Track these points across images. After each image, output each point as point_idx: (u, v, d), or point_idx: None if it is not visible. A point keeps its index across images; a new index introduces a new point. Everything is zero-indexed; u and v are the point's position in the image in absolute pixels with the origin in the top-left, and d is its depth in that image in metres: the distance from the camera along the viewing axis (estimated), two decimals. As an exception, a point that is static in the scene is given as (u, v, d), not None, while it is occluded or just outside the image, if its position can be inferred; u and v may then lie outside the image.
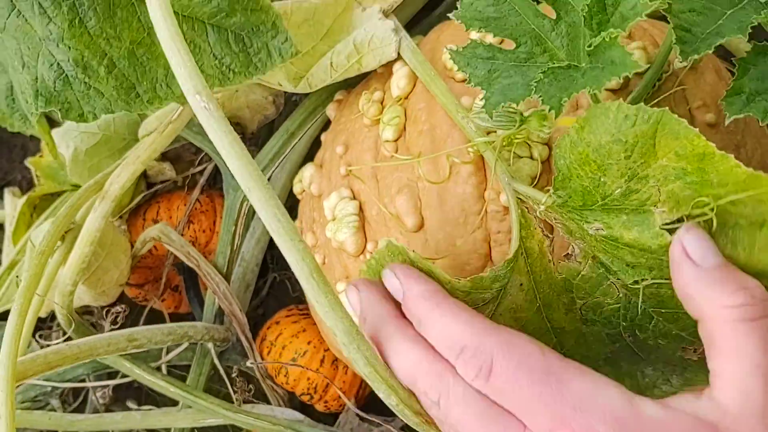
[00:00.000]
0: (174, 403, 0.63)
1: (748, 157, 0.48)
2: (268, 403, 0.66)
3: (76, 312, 0.63)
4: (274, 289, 0.75)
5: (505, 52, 0.40)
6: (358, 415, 0.63)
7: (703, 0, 0.38)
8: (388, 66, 0.56)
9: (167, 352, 0.66)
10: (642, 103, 0.34)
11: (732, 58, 0.41)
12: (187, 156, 0.73)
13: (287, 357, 0.63)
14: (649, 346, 0.43)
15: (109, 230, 0.62)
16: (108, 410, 0.69)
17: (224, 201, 0.69)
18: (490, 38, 0.46)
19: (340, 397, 0.64)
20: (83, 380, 0.67)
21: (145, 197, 0.71)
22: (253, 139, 0.71)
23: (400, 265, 0.42)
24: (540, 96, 0.36)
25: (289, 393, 0.66)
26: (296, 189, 0.61)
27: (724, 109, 0.36)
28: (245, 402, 0.64)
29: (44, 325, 0.74)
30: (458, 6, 0.41)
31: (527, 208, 0.42)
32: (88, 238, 0.55)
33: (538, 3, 0.41)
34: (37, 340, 0.69)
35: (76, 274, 0.56)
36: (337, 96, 0.61)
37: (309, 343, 0.63)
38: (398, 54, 0.52)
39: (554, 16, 0.40)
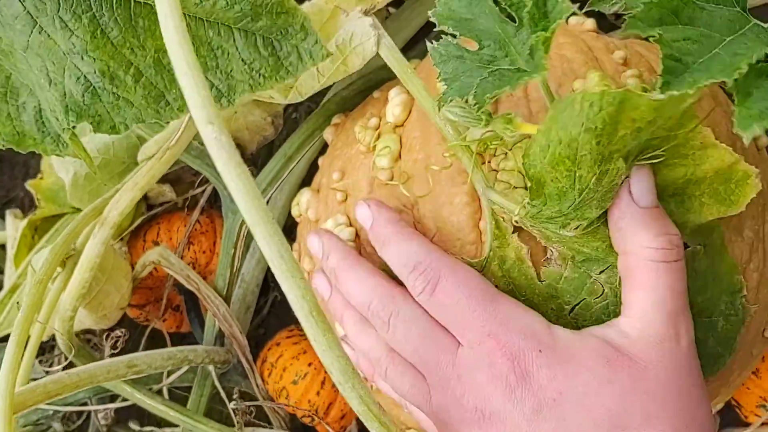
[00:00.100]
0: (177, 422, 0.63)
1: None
2: (270, 425, 0.66)
3: (78, 335, 0.63)
4: (275, 308, 0.75)
5: (472, 53, 0.41)
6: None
7: (700, 28, 0.38)
8: (384, 92, 0.56)
9: (168, 375, 0.66)
10: (604, 89, 0.34)
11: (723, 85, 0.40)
12: (187, 177, 0.73)
13: (288, 379, 0.63)
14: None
15: (110, 254, 0.62)
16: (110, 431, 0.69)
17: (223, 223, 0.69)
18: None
19: (341, 418, 0.63)
20: (85, 403, 0.67)
21: (146, 219, 0.71)
22: (252, 159, 0.71)
23: (374, 200, 0.48)
24: (476, 89, 0.38)
25: (291, 415, 0.66)
26: (294, 212, 0.61)
27: (741, 132, 0.35)
28: (247, 425, 0.64)
29: (46, 345, 0.74)
30: (436, 3, 0.42)
31: (503, 216, 0.44)
32: (88, 264, 0.55)
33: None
34: (41, 363, 0.70)
35: (75, 300, 0.57)
36: (335, 120, 0.61)
37: (310, 365, 0.62)
38: (380, 56, 0.52)
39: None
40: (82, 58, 0.42)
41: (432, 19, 0.42)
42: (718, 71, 0.35)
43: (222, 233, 0.71)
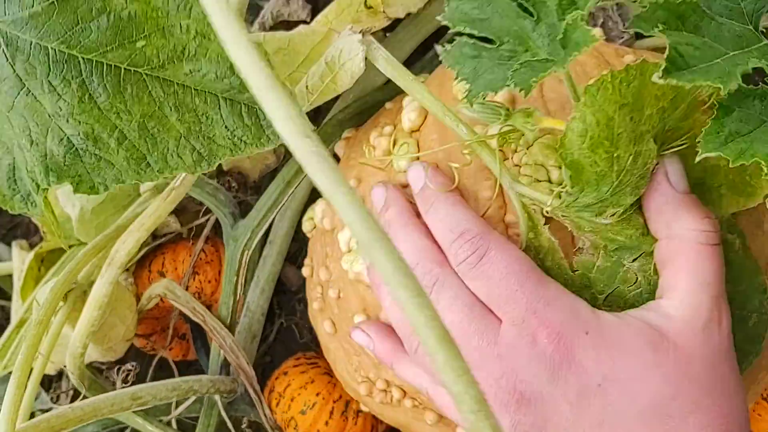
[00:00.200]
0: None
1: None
2: (278, 454, 0.65)
3: (87, 367, 0.63)
4: (281, 335, 0.75)
5: (490, 50, 0.41)
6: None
7: (704, 38, 0.38)
8: (397, 102, 0.56)
9: (176, 405, 0.66)
10: (628, 64, 0.36)
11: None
12: (191, 207, 0.73)
13: (296, 409, 0.62)
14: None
15: (114, 287, 0.62)
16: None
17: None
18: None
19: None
20: (94, 436, 0.67)
21: (151, 249, 0.71)
22: (255, 188, 0.71)
23: (431, 164, 0.47)
24: (513, 80, 0.38)
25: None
26: (306, 227, 0.61)
27: (700, 147, 0.36)
28: (255, 455, 0.63)
29: (54, 376, 0.74)
30: (445, 9, 0.43)
31: (534, 208, 0.43)
32: (96, 304, 0.55)
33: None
34: (49, 394, 0.70)
35: (85, 338, 0.57)
36: (345, 134, 0.61)
37: (318, 394, 0.62)
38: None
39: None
40: (67, 121, 0.42)
41: (444, 23, 0.42)
42: (716, 77, 0.35)
43: (227, 262, 0.71)
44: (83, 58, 0.41)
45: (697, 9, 0.38)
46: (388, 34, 0.68)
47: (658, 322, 0.40)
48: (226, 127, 0.43)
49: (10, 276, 0.75)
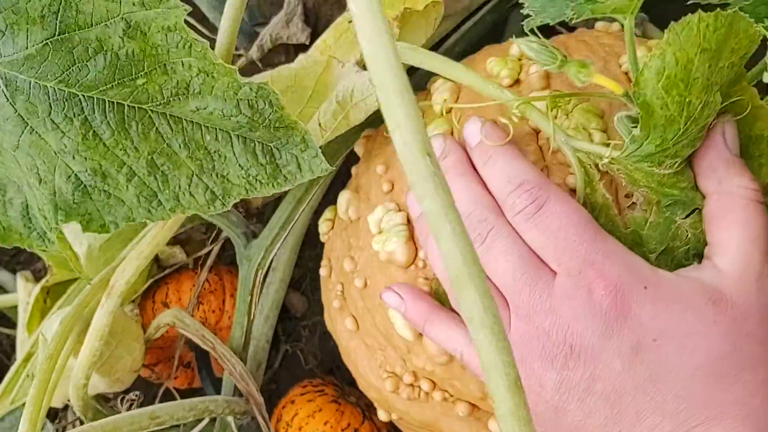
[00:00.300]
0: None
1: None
2: (288, 482, 0.65)
3: (92, 399, 0.63)
4: (287, 361, 0.76)
5: None
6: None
7: None
8: (424, 91, 0.56)
9: (188, 430, 0.66)
10: (717, 10, 0.36)
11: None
12: (197, 236, 0.74)
13: (304, 438, 0.63)
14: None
15: (120, 318, 0.63)
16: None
17: (238, 272, 0.69)
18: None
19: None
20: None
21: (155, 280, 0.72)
22: (258, 215, 0.72)
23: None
24: (572, 9, 0.39)
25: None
26: (323, 229, 0.61)
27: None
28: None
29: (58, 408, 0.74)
30: None
31: (590, 164, 0.43)
32: (97, 335, 0.55)
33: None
34: (53, 425, 0.70)
35: (87, 369, 0.57)
36: (365, 133, 0.61)
37: (326, 423, 0.62)
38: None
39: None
40: (74, 158, 0.41)
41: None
42: None
43: (230, 289, 0.71)
44: (84, 96, 0.41)
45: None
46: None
47: (712, 280, 0.40)
48: (239, 165, 0.42)
49: (15, 306, 0.75)
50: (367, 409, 0.65)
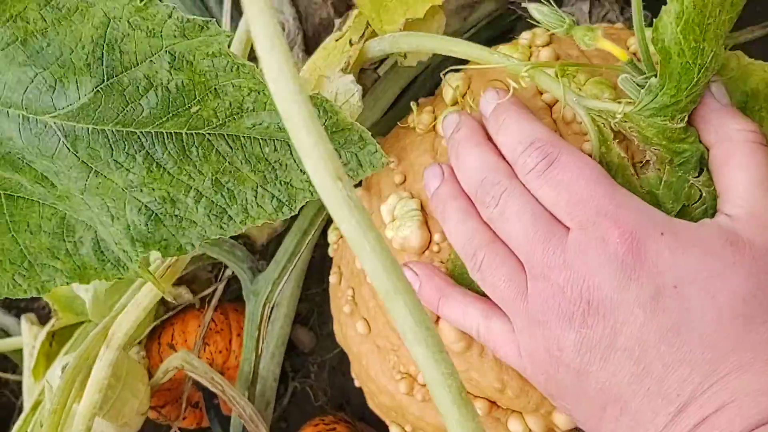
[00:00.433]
0: None
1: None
2: None
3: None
4: (296, 398, 0.75)
5: None
6: None
7: None
8: (424, 103, 0.57)
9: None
10: None
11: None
12: (203, 275, 0.73)
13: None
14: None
15: (124, 361, 0.62)
16: None
17: (245, 309, 0.69)
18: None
19: None
20: None
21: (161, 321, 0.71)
22: (262, 252, 0.71)
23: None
24: None
25: None
26: (332, 238, 0.61)
27: None
28: None
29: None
30: None
31: (603, 123, 0.43)
32: (97, 386, 0.54)
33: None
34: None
35: (88, 420, 0.56)
36: (376, 140, 0.61)
37: (338, 462, 0.61)
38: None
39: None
40: (141, 191, 0.42)
41: None
42: None
43: (237, 328, 0.71)
44: (142, 132, 0.41)
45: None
46: (378, 71, 0.69)
47: (728, 225, 0.39)
48: (301, 170, 0.43)
49: (20, 350, 0.75)
50: (380, 444, 0.64)
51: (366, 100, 0.66)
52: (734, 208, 0.40)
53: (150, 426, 0.71)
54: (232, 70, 0.40)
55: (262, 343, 0.68)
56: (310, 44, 0.73)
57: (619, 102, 0.43)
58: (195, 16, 0.39)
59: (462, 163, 0.45)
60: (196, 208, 0.43)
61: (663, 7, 0.38)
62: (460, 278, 0.47)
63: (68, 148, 0.41)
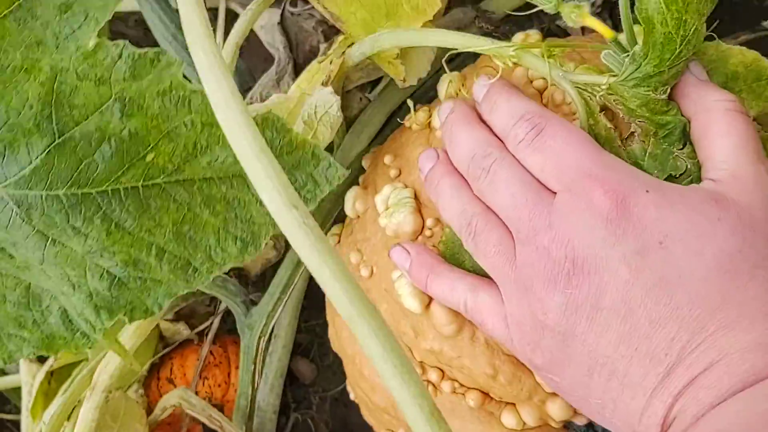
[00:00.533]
0: None
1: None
2: None
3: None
4: (297, 430, 0.74)
5: None
6: None
7: None
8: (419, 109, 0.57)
9: None
10: None
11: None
12: (201, 309, 0.73)
13: None
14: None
15: (121, 401, 0.62)
16: None
17: (240, 342, 0.68)
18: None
19: None
20: None
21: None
22: (255, 283, 0.71)
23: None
24: None
25: None
26: (330, 243, 0.61)
27: None
28: None
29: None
30: None
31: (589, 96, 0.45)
32: (85, 429, 0.54)
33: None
34: None
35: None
36: (373, 149, 0.62)
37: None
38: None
39: None
40: (102, 256, 0.41)
41: None
42: None
43: (236, 361, 0.70)
44: (97, 192, 0.40)
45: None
46: (369, 94, 0.68)
47: (712, 187, 0.39)
48: (260, 203, 0.41)
49: (18, 388, 0.75)
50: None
51: (354, 127, 0.65)
52: (717, 172, 0.40)
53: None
54: (183, 106, 0.39)
55: (259, 377, 0.67)
56: (300, 72, 0.73)
57: (604, 74, 0.44)
58: (147, 49, 0.37)
59: (454, 141, 0.46)
60: (160, 266, 0.41)
61: None
62: (452, 259, 0.48)
63: (22, 218, 0.40)
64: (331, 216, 0.64)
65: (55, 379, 0.69)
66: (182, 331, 0.71)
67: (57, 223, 0.40)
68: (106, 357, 0.56)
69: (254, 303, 0.68)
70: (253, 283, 0.70)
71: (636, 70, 0.41)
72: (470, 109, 0.48)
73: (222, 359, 0.70)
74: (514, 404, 0.49)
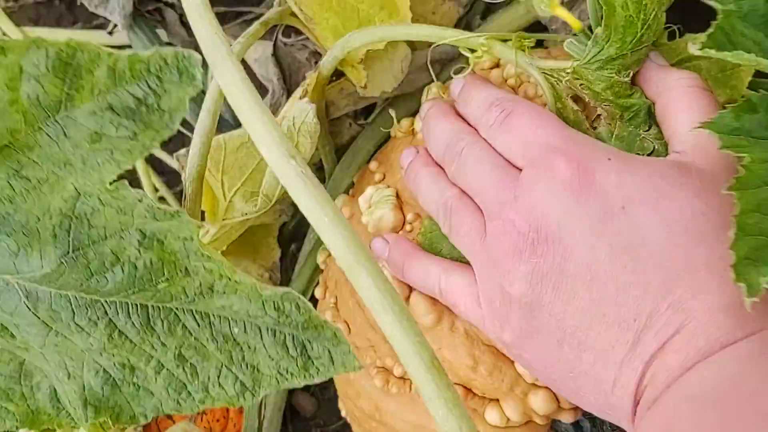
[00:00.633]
0: None
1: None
2: None
3: None
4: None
5: None
6: None
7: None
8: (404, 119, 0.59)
9: None
10: None
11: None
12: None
13: None
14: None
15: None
16: None
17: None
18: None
19: None
20: None
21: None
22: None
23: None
24: None
25: None
26: (320, 258, 0.62)
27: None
28: None
29: None
30: None
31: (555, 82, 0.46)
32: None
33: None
34: None
35: None
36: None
37: None
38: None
39: None
40: (101, 355, 0.41)
41: None
42: None
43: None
44: (106, 301, 0.40)
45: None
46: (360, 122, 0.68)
47: (675, 157, 0.41)
48: (270, 356, 0.41)
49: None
50: None
51: (345, 155, 0.65)
52: (680, 144, 0.41)
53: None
54: (203, 257, 0.39)
55: (264, 409, 0.67)
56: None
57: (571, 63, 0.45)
58: (164, 207, 0.37)
59: (431, 133, 0.48)
60: (156, 379, 0.42)
61: None
62: (430, 249, 0.49)
63: (29, 308, 0.41)
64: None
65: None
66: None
67: (62, 318, 0.41)
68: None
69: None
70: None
71: (599, 52, 0.43)
72: (448, 105, 0.49)
73: (221, 394, 0.70)
74: (497, 400, 0.49)
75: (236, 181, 0.57)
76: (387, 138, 0.66)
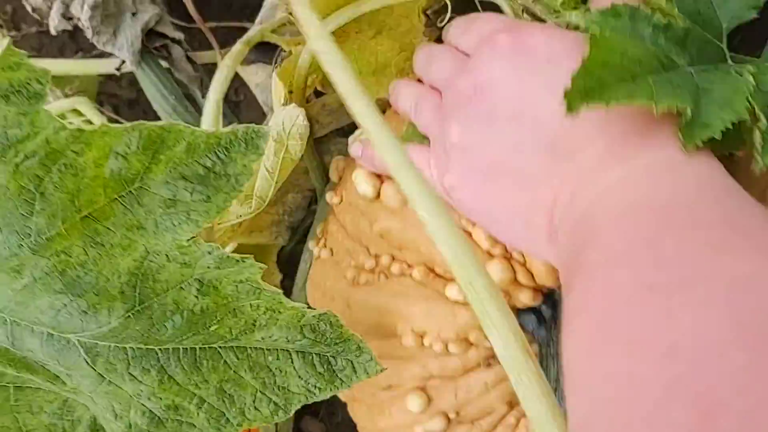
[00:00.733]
0: None
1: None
2: None
3: None
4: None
5: None
6: None
7: None
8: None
9: None
10: None
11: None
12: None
13: None
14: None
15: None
16: None
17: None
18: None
19: None
20: None
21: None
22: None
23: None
24: None
25: None
26: (312, 245, 0.63)
27: None
28: None
29: None
30: None
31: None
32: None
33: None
34: None
35: None
36: (336, 158, 0.64)
37: None
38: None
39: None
40: (149, 399, 0.44)
41: None
42: None
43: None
44: (160, 349, 0.44)
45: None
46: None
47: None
48: (299, 377, 0.45)
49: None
50: None
51: None
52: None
53: None
54: (253, 294, 0.43)
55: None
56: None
57: None
58: (237, 255, 0.41)
59: (429, 69, 0.51)
60: (198, 413, 0.45)
61: None
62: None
63: (87, 362, 0.43)
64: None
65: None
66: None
67: (117, 369, 0.44)
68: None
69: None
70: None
71: None
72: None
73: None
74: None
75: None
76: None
